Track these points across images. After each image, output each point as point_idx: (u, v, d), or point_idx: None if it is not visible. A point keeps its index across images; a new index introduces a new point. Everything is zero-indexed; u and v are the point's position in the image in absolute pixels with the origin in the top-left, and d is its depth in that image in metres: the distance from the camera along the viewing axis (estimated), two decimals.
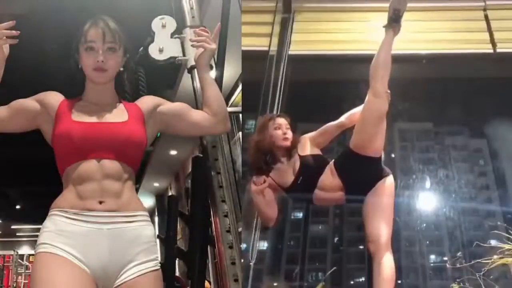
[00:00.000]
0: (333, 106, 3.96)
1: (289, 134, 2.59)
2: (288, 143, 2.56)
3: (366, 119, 2.43)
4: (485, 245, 2.65)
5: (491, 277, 2.65)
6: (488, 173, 4.17)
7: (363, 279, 3.90)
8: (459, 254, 2.78)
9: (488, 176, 4.16)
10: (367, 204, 2.43)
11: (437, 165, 4.08)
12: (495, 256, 2.59)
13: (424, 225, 3.81)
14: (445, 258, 3.91)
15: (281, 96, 3.67)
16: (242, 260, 2.47)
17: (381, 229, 2.36)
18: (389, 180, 2.47)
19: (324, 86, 4.05)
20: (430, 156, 4.14)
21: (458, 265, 2.77)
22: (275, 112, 3.58)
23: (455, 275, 2.92)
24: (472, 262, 2.69)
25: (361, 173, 2.45)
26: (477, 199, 4.01)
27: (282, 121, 2.63)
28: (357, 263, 3.99)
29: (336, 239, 4.20)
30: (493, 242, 2.80)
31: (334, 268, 3.55)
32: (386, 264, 2.31)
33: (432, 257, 3.99)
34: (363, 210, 2.43)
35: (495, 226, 3.56)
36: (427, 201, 3.91)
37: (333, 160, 2.57)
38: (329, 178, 2.48)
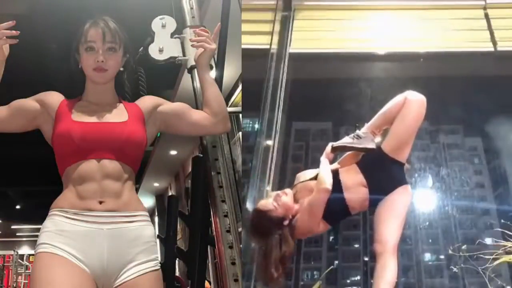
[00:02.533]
0: (334, 105, 3.96)
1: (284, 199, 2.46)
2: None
3: (408, 124, 2.44)
4: (490, 243, 2.66)
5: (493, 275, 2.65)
6: (484, 171, 4.17)
7: (358, 277, 3.91)
8: (463, 247, 2.78)
9: (484, 175, 4.16)
10: (383, 206, 2.42)
11: (433, 164, 4.08)
12: (499, 251, 2.60)
13: (427, 223, 3.81)
14: (441, 256, 3.92)
15: (281, 95, 3.67)
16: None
17: (392, 233, 2.37)
18: (409, 189, 2.47)
19: (325, 84, 4.05)
20: (426, 155, 4.14)
21: (460, 254, 2.77)
22: (276, 110, 3.57)
23: (452, 274, 2.92)
24: (474, 255, 2.69)
25: (387, 175, 2.45)
26: (472, 197, 4.02)
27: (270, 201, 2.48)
28: (353, 261, 3.99)
29: (331, 237, 4.20)
30: (488, 240, 2.80)
31: (332, 267, 3.55)
32: (390, 267, 2.31)
33: (428, 255, 3.99)
34: (376, 210, 2.43)
35: (491, 224, 3.56)
36: (425, 199, 3.91)
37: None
38: (350, 176, 2.47)
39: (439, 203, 3.91)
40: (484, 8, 4.15)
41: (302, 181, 2.50)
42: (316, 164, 2.54)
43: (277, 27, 4.07)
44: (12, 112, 2.24)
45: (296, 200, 2.47)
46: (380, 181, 2.45)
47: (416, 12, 4.16)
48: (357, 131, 2.52)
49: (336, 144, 2.52)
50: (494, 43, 3.94)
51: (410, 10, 4.19)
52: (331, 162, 2.53)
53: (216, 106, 2.40)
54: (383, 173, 2.45)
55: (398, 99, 2.48)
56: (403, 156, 2.46)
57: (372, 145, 2.48)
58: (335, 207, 2.41)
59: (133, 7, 4.22)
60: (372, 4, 4.22)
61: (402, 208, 2.43)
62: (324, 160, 2.48)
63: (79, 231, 2.07)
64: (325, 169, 2.44)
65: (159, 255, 2.23)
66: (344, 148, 2.53)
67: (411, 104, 2.44)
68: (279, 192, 2.48)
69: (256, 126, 3.53)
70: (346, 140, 2.52)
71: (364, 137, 2.50)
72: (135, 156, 2.22)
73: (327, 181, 2.40)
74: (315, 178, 2.48)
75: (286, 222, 2.41)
